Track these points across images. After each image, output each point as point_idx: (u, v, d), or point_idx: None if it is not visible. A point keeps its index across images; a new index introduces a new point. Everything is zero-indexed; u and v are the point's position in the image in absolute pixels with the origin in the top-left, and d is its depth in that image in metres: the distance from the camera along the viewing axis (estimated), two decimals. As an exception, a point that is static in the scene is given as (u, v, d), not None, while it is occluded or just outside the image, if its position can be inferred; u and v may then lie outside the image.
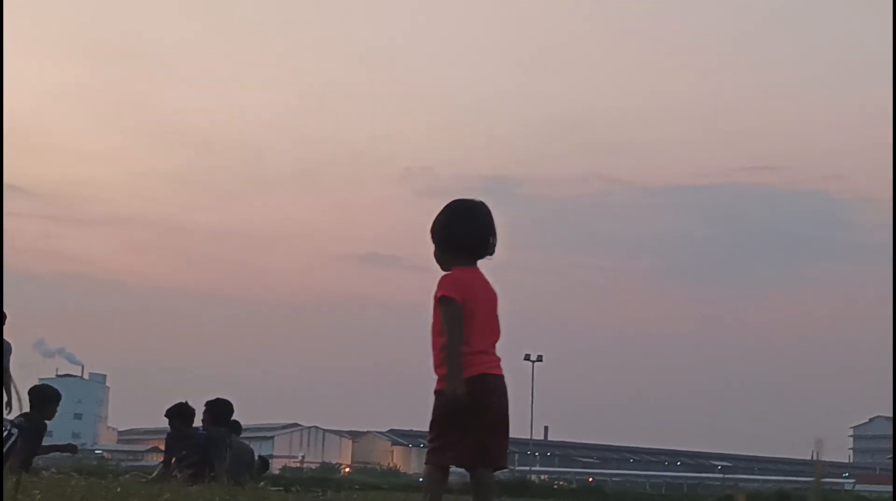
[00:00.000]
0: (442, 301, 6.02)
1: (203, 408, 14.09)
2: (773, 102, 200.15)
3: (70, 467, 17.07)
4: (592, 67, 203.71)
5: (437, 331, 6.08)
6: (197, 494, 7.57)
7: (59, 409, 13.41)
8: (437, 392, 6.07)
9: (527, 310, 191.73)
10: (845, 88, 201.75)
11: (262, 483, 11.73)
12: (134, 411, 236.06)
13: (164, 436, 14.82)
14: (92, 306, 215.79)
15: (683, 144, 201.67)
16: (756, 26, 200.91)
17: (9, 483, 6.24)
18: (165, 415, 14.34)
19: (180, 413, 14.29)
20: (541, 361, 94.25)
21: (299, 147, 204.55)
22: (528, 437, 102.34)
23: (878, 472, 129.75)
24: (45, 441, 13.51)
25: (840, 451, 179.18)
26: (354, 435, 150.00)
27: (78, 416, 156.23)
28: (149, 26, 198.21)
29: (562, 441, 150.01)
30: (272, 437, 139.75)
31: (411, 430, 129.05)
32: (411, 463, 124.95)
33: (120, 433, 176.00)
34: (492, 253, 6.26)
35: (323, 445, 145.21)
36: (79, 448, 17.23)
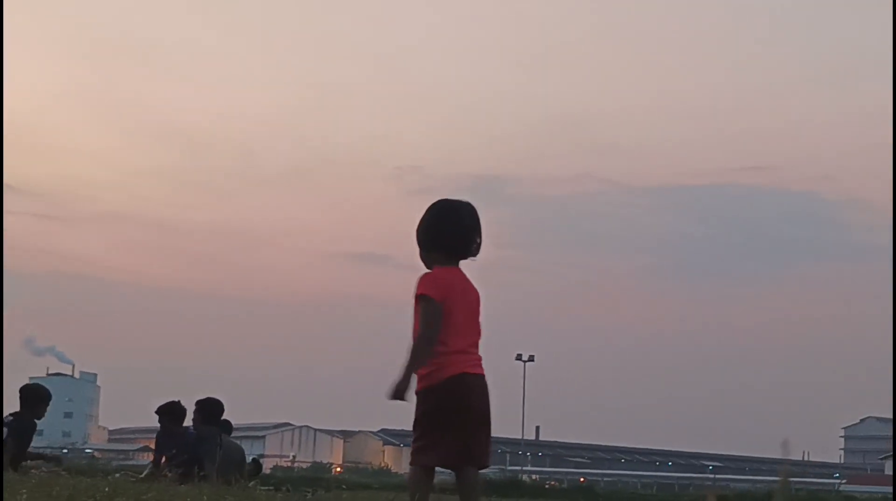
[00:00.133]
0: (420, 299, 6.02)
1: (193, 407, 14.06)
2: (766, 103, 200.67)
3: (60, 466, 16.99)
4: (586, 68, 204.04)
5: (416, 330, 6.08)
6: (185, 493, 7.54)
7: (49, 408, 13.36)
8: (417, 393, 6.06)
9: (518, 310, 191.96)
10: (838, 90, 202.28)
11: (252, 483, 11.70)
12: (125, 410, 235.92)
13: (155, 435, 14.80)
14: (84, 304, 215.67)
15: (677, 145, 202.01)
16: (749, 28, 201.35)
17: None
18: (156, 412, 14.32)
19: (171, 412, 14.27)
20: (532, 361, 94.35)
21: (292, 146, 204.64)
22: (520, 437, 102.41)
23: (869, 472, 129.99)
24: (36, 441, 13.47)
25: (831, 451, 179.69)
26: (346, 435, 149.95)
27: (68, 415, 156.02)
28: (143, 26, 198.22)
29: (553, 441, 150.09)
30: (263, 436, 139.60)
31: (403, 430, 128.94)
32: (403, 463, 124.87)
33: (110, 432, 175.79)
34: (475, 254, 6.25)
35: (314, 444, 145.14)
36: (64, 460, 17.11)
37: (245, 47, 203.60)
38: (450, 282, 6.09)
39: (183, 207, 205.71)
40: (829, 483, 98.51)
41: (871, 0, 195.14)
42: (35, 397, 13.15)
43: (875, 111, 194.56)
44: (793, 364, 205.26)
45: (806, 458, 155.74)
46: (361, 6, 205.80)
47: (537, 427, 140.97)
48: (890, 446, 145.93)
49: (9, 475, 9.84)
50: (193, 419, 13.98)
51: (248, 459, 15.93)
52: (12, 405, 13.12)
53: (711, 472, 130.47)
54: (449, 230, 6.18)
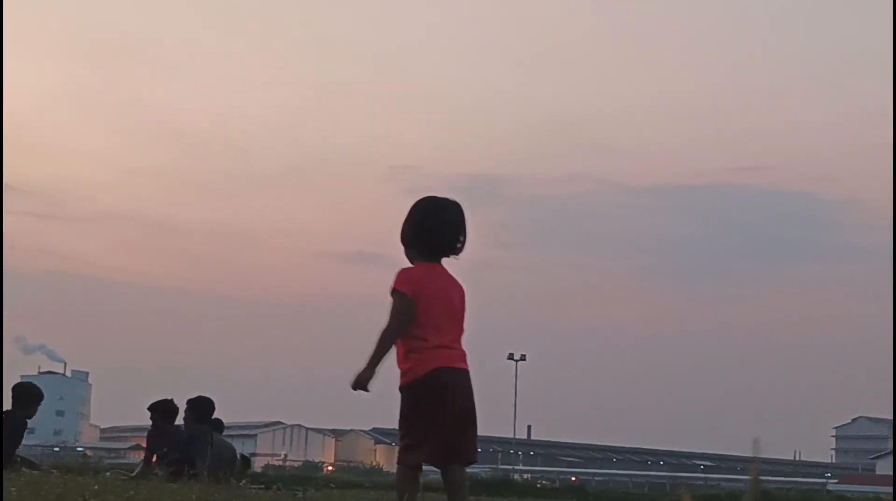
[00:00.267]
0: (392, 294, 6.04)
1: (185, 406, 14.05)
2: (763, 104, 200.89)
3: (51, 464, 16.97)
4: (584, 68, 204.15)
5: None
6: (175, 491, 7.52)
7: (40, 407, 13.30)
8: (400, 389, 6.06)
9: (511, 309, 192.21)
10: (835, 90, 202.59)
11: (243, 482, 11.67)
12: (116, 408, 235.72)
13: (146, 434, 14.77)
14: (76, 303, 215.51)
15: (674, 145, 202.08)
16: (747, 29, 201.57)
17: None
18: (148, 409, 14.30)
19: (163, 409, 14.25)
20: (524, 360, 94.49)
21: (289, 146, 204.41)
22: (512, 436, 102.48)
23: (860, 472, 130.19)
24: (28, 439, 13.41)
25: (823, 451, 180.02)
26: (337, 434, 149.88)
27: (60, 413, 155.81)
28: (142, 26, 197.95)
29: (545, 441, 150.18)
30: (255, 435, 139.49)
31: (394, 429, 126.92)
32: (394, 462, 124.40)
33: (102, 430, 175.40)
34: (459, 252, 6.23)
35: (306, 443, 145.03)
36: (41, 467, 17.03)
37: (243, 47, 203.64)
38: (425, 278, 6.09)
39: (179, 206, 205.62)
40: (821, 483, 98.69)
41: (869, 0, 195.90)
42: (27, 396, 13.07)
43: (872, 112, 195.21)
44: (785, 364, 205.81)
45: (797, 458, 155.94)
46: (359, 6, 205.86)
47: (529, 427, 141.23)
48: (881, 446, 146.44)
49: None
50: (185, 418, 13.97)
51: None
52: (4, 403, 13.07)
53: (703, 471, 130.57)
54: (432, 228, 6.18)
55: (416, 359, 6.00)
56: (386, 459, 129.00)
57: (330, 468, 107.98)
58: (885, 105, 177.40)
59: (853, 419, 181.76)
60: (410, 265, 6.19)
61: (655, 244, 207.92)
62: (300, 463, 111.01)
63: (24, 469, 12.43)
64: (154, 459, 14.01)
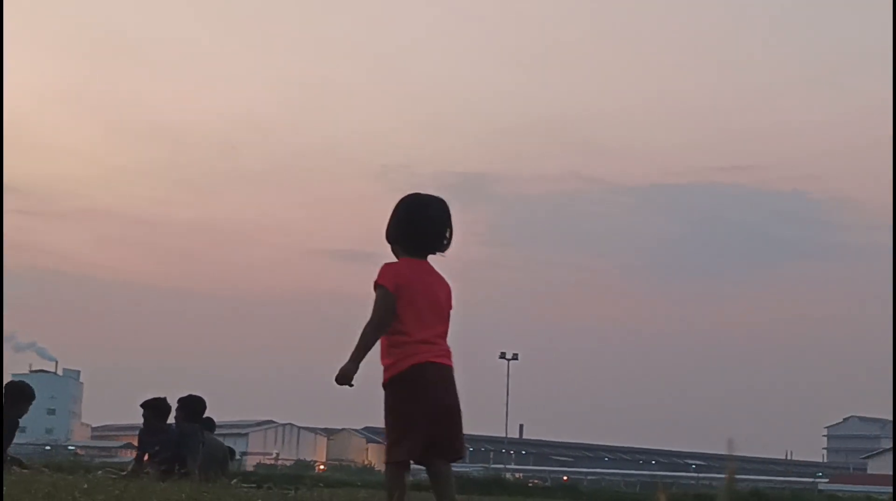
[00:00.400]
0: (375, 288, 6.04)
1: (176, 405, 14.03)
2: (751, 103, 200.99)
3: (42, 463, 16.94)
4: (573, 69, 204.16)
5: None
6: (164, 490, 7.49)
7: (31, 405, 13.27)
8: (383, 385, 6.06)
9: (503, 308, 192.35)
10: (824, 89, 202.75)
11: (234, 480, 11.66)
12: (108, 407, 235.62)
13: (138, 432, 14.74)
14: (66, 301, 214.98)
15: (661, 144, 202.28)
16: (736, 29, 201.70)
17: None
18: (141, 406, 14.26)
19: (155, 407, 14.22)
20: (516, 359, 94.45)
21: (275, 143, 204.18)
22: (504, 435, 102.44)
23: (851, 471, 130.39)
24: (19, 438, 13.37)
25: (814, 451, 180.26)
26: (329, 432, 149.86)
27: (51, 412, 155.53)
28: (126, 23, 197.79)
29: (537, 440, 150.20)
30: (246, 434, 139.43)
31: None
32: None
33: (94, 429, 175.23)
34: (445, 249, 6.21)
35: (298, 442, 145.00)
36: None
37: (233, 46, 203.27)
38: (409, 273, 6.07)
39: (167, 204, 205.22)
40: (813, 483, 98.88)
41: (858, 1, 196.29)
42: (20, 394, 13.03)
43: (861, 111, 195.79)
44: (777, 363, 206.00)
45: (789, 457, 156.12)
46: (350, 5, 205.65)
47: (521, 426, 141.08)
48: (873, 445, 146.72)
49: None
50: (176, 417, 13.95)
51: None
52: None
53: (694, 471, 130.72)
54: (417, 225, 6.16)
55: (398, 354, 5.98)
56: (378, 458, 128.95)
57: (322, 467, 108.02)
58: (875, 104, 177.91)
59: (845, 419, 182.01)
60: (395, 260, 6.18)
61: (647, 243, 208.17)
62: (292, 462, 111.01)
63: (14, 467, 12.40)
64: (145, 458, 13.98)
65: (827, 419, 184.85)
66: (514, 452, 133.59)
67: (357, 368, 5.94)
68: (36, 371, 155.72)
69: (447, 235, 6.20)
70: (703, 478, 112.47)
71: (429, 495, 6.26)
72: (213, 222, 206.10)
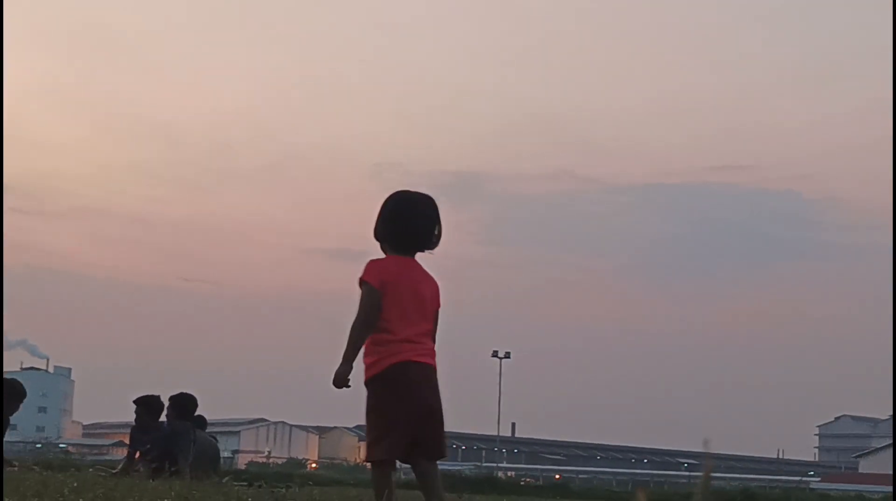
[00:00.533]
0: (360, 285, 5.99)
1: (167, 403, 13.99)
2: (745, 103, 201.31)
3: (32, 461, 16.88)
4: (566, 67, 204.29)
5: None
6: (154, 488, 7.44)
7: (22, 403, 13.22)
8: (365, 383, 6.02)
9: (495, 306, 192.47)
10: (817, 90, 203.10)
11: (225, 478, 11.61)
12: (99, 405, 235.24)
13: (129, 430, 14.71)
14: (57, 298, 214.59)
15: (655, 143, 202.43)
16: (729, 29, 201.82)
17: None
18: (134, 402, 14.22)
19: (148, 404, 14.19)
20: (508, 358, 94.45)
21: (268, 141, 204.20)
22: (496, 434, 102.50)
23: (842, 470, 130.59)
24: (10, 436, 13.32)
25: (806, 450, 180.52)
26: (321, 431, 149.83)
27: (42, 409, 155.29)
28: (116, 18, 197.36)
29: (529, 438, 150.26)
30: (238, 432, 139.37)
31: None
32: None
33: (85, 427, 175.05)
34: (433, 247, 6.16)
35: (289, 440, 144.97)
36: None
37: (223, 42, 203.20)
38: (395, 270, 6.03)
39: (159, 201, 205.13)
40: (804, 482, 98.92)
41: (850, 1, 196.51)
42: (12, 393, 12.99)
43: (855, 111, 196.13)
44: (769, 363, 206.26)
45: (781, 456, 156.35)
46: (343, 3, 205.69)
47: (513, 424, 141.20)
48: (864, 444, 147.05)
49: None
50: (167, 415, 13.92)
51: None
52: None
53: (686, 469, 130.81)
54: (405, 223, 6.11)
55: (381, 352, 5.94)
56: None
57: (313, 465, 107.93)
58: (868, 105, 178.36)
59: (836, 418, 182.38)
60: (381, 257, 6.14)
61: (640, 242, 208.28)
62: (284, 460, 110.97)
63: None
64: (137, 455, 13.94)
65: (819, 418, 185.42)
66: (506, 450, 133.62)
67: (351, 368, 5.91)
68: (27, 369, 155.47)
69: (436, 232, 6.15)
70: (696, 477, 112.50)
71: (418, 494, 6.23)
72: (206, 220, 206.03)
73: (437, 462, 6.10)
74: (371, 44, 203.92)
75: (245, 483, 12.97)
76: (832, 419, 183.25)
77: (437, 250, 6.18)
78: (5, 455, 14.59)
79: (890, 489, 60.04)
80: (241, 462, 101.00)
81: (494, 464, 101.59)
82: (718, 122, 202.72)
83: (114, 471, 13.30)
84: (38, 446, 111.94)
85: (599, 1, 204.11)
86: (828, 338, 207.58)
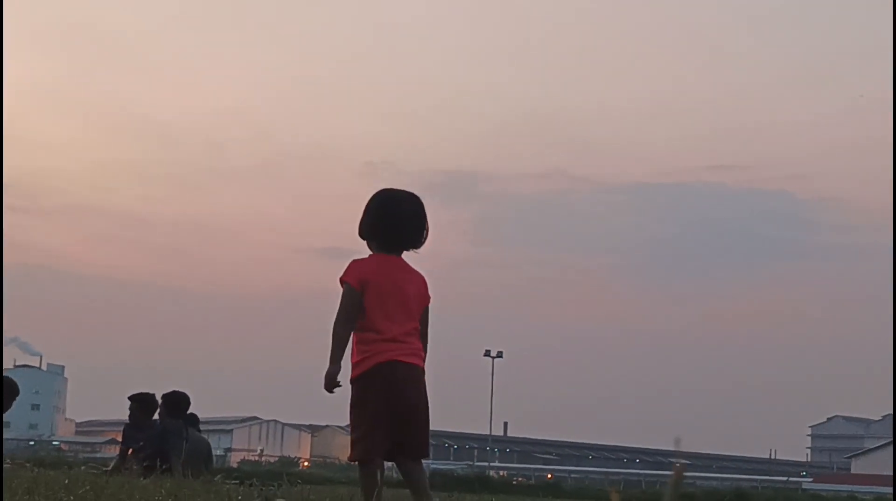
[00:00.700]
0: (341, 284, 5.99)
1: (160, 401, 14.00)
2: (738, 102, 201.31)
3: (25, 458, 16.89)
4: (559, 66, 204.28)
5: None
6: (145, 486, 7.45)
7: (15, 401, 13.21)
8: (350, 382, 6.03)
9: (488, 306, 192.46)
10: (810, 89, 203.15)
11: (217, 477, 11.61)
12: (92, 402, 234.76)
13: (122, 428, 14.72)
14: (51, 296, 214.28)
15: (648, 143, 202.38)
16: (723, 28, 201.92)
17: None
18: (129, 398, 14.23)
19: (143, 401, 14.20)
20: (501, 357, 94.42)
21: (261, 140, 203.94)
22: (488, 433, 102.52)
23: (835, 471, 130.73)
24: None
25: (798, 450, 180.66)
26: (313, 429, 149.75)
27: (35, 407, 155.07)
28: (111, 16, 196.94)
29: (521, 438, 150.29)
30: (231, 430, 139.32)
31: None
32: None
33: (78, 424, 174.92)
34: (419, 246, 6.15)
35: (282, 439, 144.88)
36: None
37: (218, 42, 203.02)
38: (378, 269, 6.02)
39: (151, 200, 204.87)
40: (792, 482, 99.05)
41: (845, 1, 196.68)
42: (5, 390, 12.98)
43: (848, 111, 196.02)
44: (761, 363, 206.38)
45: (773, 456, 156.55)
46: (335, 2, 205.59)
47: (505, 423, 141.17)
48: (857, 445, 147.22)
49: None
50: (159, 413, 13.93)
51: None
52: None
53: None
54: (390, 221, 6.10)
55: (366, 352, 5.95)
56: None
57: (306, 463, 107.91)
58: (863, 105, 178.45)
59: (829, 418, 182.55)
60: (365, 256, 6.15)
61: (633, 242, 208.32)
62: (276, 459, 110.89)
63: None
64: (129, 453, 13.95)
65: (811, 418, 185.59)
66: (499, 450, 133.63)
67: (339, 367, 5.92)
68: (20, 366, 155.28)
69: (422, 231, 6.14)
70: (687, 477, 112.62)
71: (408, 493, 6.24)
72: (199, 218, 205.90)
73: (422, 462, 6.11)
74: (363, 43, 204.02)
75: (236, 482, 13.00)
76: (825, 420, 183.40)
77: (424, 248, 6.17)
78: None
79: (882, 490, 60.22)
80: (234, 460, 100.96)
81: (486, 463, 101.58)
82: (713, 121, 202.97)
83: (106, 469, 13.31)
84: (31, 443, 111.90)
85: (594, 0, 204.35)
86: (821, 339, 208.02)
